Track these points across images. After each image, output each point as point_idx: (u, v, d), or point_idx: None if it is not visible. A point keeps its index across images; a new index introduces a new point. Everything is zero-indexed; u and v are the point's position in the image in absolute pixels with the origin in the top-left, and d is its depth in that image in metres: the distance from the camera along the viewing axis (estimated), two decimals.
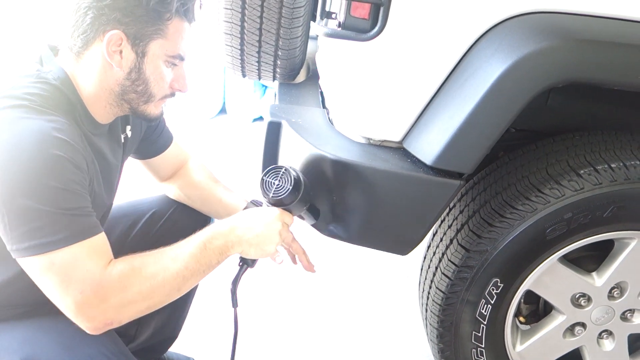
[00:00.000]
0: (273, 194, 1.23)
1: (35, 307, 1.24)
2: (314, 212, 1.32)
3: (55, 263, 1.03)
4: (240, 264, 1.31)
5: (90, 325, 1.08)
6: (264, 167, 1.46)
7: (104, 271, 1.07)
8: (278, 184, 1.23)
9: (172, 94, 1.27)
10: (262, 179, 1.24)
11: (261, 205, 1.53)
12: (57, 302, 1.07)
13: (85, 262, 1.06)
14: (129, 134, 1.39)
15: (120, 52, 1.15)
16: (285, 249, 1.46)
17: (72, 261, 1.04)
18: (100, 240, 1.11)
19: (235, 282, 1.31)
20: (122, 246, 1.53)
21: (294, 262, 1.54)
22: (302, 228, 1.40)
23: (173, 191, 1.61)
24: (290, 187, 1.22)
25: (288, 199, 1.23)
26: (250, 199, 1.56)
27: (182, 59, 1.23)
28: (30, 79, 1.14)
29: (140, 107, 1.23)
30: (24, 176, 1.01)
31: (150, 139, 1.51)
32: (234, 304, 1.33)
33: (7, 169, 1.01)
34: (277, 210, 1.25)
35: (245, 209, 1.52)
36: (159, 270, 1.11)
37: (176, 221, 1.58)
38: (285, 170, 1.23)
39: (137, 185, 1.89)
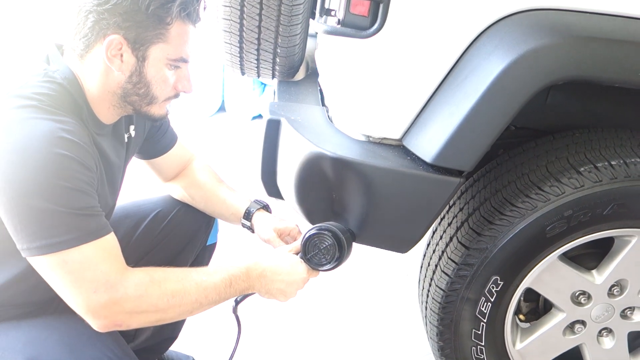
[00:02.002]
0: (312, 258, 1.28)
1: (39, 307, 1.24)
2: None
3: (67, 262, 1.04)
4: None
5: (99, 323, 1.08)
6: (263, 165, 1.46)
7: (121, 275, 1.08)
8: (321, 253, 1.27)
9: (176, 95, 1.26)
10: (308, 237, 1.27)
11: (266, 206, 1.55)
12: (68, 299, 1.07)
13: (99, 263, 1.06)
14: (133, 133, 1.39)
15: (121, 56, 1.14)
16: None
17: (84, 261, 1.05)
18: (112, 240, 1.11)
19: (238, 303, 1.31)
20: (127, 246, 1.52)
21: None
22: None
23: (177, 191, 1.61)
24: (330, 265, 1.28)
25: (324, 269, 1.29)
26: (254, 199, 1.56)
27: (185, 61, 1.22)
28: (39, 77, 1.13)
29: (144, 108, 1.23)
30: (34, 177, 1.01)
31: (154, 139, 1.51)
32: (238, 323, 1.36)
33: (18, 170, 1.01)
34: (305, 272, 1.28)
35: (247, 209, 1.53)
36: (179, 291, 1.12)
37: (180, 221, 1.58)
38: (332, 243, 1.26)
39: (141, 186, 1.89)
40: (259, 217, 1.52)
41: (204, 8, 1.22)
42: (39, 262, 1.05)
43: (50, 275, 1.06)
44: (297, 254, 1.31)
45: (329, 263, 1.28)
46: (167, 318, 1.14)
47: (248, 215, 1.52)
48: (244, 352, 1.38)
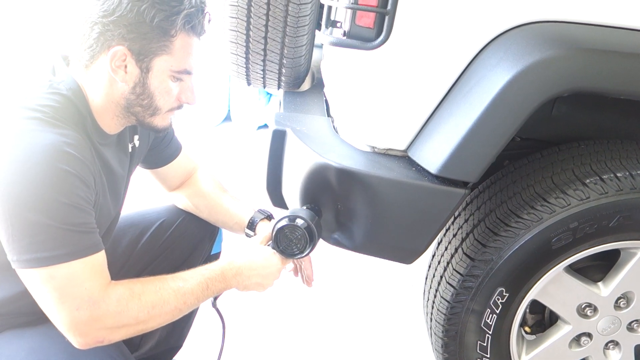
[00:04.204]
0: (284, 249, 1.30)
1: (42, 315, 1.24)
2: None
3: (55, 277, 1.04)
4: None
5: (80, 340, 1.09)
6: (269, 175, 1.46)
7: (103, 292, 1.08)
8: (292, 243, 1.29)
9: (180, 106, 1.27)
10: (278, 229, 1.28)
11: (269, 216, 1.56)
12: (51, 314, 1.08)
13: (85, 280, 1.07)
14: (137, 143, 1.40)
15: (125, 67, 1.15)
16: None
17: (72, 277, 1.05)
18: (101, 258, 1.12)
19: (216, 298, 1.33)
20: (131, 255, 1.54)
21: (296, 274, 1.54)
22: None
23: (182, 200, 1.61)
24: (303, 253, 1.29)
25: (298, 257, 1.32)
26: (257, 208, 1.56)
27: (188, 73, 1.22)
28: (43, 89, 1.14)
29: (147, 119, 1.23)
30: (32, 190, 1.02)
31: (159, 148, 1.52)
32: (221, 317, 1.39)
33: (17, 182, 1.02)
34: (280, 262, 1.31)
35: (251, 218, 1.53)
36: (158, 301, 1.14)
37: (184, 231, 1.59)
38: (302, 233, 1.26)
39: (146, 195, 1.89)
40: (262, 227, 1.52)
41: (209, 20, 1.22)
42: (27, 275, 1.06)
43: (36, 289, 1.07)
44: (268, 243, 1.33)
45: (302, 252, 1.30)
46: (148, 328, 1.16)
47: (252, 225, 1.53)
48: (234, 347, 1.38)
